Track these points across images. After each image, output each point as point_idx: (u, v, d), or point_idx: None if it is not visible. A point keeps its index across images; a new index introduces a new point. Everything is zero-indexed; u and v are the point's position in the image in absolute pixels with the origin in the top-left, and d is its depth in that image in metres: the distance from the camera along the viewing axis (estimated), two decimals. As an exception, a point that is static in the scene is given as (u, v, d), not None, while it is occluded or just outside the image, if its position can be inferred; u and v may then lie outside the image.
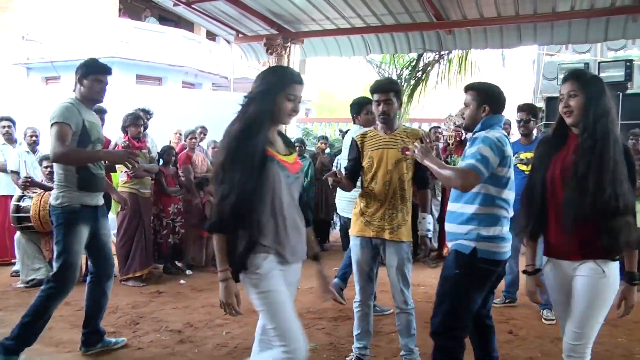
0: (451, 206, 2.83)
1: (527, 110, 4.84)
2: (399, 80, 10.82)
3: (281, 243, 2.33)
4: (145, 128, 5.96)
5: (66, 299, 3.51)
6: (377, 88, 3.37)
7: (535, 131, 4.99)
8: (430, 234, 3.26)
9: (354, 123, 4.75)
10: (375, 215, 3.32)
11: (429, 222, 3.35)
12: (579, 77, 2.45)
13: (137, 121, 5.59)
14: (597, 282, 2.33)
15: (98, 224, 3.62)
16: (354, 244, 3.45)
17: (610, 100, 2.41)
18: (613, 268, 2.35)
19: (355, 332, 3.51)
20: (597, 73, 8.82)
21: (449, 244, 2.85)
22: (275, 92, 2.31)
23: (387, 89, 3.33)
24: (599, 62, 9.66)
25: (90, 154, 3.49)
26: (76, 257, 3.46)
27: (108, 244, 3.77)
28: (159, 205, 6.02)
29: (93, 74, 3.49)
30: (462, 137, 7.14)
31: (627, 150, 2.38)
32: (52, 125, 3.31)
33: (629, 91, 8.75)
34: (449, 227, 2.83)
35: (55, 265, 3.43)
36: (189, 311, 4.68)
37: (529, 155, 4.58)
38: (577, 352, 2.39)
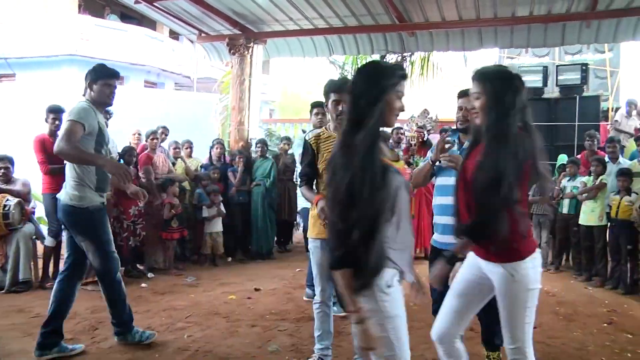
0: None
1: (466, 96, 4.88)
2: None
3: (402, 258, 2.12)
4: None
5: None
6: (333, 87, 3.31)
7: None
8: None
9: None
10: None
11: None
12: (481, 78, 2.37)
13: (96, 121, 5.47)
14: (508, 287, 2.30)
15: None
16: (313, 245, 3.45)
17: (515, 97, 2.27)
18: (522, 269, 2.28)
19: (316, 334, 3.50)
20: (555, 76, 9.10)
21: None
22: (386, 90, 2.05)
23: (345, 89, 3.29)
24: (557, 66, 9.93)
25: (91, 157, 3.50)
26: (110, 246, 3.72)
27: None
28: (119, 207, 5.90)
29: (102, 78, 3.63)
30: (425, 138, 7.24)
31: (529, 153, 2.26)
32: (66, 121, 3.47)
33: (584, 94, 9.01)
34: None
35: (96, 262, 3.65)
36: (149, 315, 4.59)
37: None
38: (517, 354, 2.37)
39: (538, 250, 2.37)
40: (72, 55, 14.40)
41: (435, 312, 2.91)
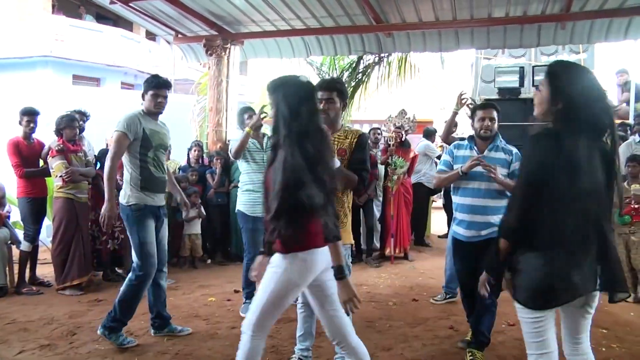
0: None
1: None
2: (339, 83, 10.90)
3: None
4: (82, 131, 5.77)
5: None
6: (320, 86, 3.35)
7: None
8: None
9: None
10: None
11: None
12: (269, 89, 2.61)
13: (72, 123, 5.40)
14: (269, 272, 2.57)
15: (158, 222, 4.04)
16: None
17: (294, 103, 2.47)
18: (279, 259, 2.53)
19: (298, 334, 3.51)
20: (532, 77, 9.22)
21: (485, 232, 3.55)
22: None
23: (331, 88, 3.32)
24: (533, 66, 10.04)
25: (108, 189, 3.82)
26: (151, 247, 3.89)
27: (164, 240, 4.15)
28: (97, 210, 5.81)
29: (151, 89, 3.95)
30: (402, 139, 7.27)
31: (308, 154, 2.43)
32: (113, 132, 3.88)
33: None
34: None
35: (135, 258, 3.86)
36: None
37: None
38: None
39: (317, 250, 2.52)
40: (46, 56, 14.20)
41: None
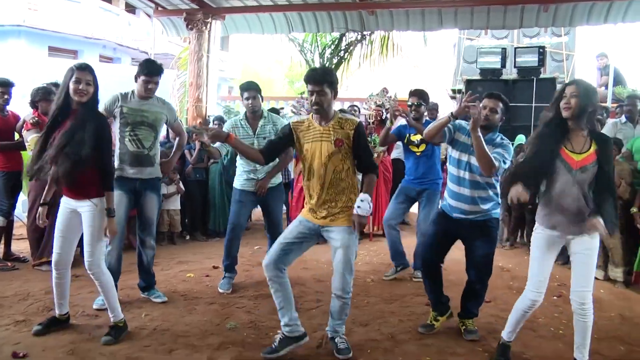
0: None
1: (418, 95, 5.15)
2: (321, 60, 10.86)
3: None
4: (59, 104, 5.65)
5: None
6: (309, 78, 3.33)
7: (426, 114, 5.32)
8: (361, 212, 3.23)
9: None
10: (317, 205, 3.36)
11: (361, 200, 3.27)
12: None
13: (48, 96, 5.27)
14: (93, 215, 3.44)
15: (142, 196, 4.28)
16: (297, 219, 3.49)
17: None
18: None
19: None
20: (513, 58, 9.29)
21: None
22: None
23: (321, 80, 3.29)
24: (515, 48, 10.09)
25: None
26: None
27: (148, 212, 4.37)
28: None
29: (143, 75, 4.17)
30: (383, 117, 7.28)
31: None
32: None
33: (541, 76, 9.22)
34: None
35: None
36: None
37: (419, 137, 5.03)
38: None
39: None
40: (19, 26, 13.81)
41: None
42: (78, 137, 3.29)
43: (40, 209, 3.70)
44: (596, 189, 3.05)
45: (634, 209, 5.19)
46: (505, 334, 3.40)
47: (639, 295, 4.99)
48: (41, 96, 5.24)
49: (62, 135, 3.29)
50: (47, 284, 4.72)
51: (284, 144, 3.52)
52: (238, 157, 4.84)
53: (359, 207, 3.24)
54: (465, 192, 3.65)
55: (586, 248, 3.10)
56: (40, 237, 5.25)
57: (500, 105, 3.63)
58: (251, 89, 4.70)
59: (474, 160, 3.54)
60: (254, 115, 4.73)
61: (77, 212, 3.50)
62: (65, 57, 14.98)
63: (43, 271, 5.17)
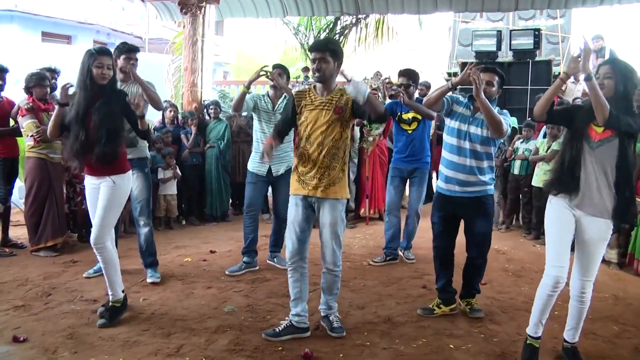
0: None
1: (407, 75, 5.14)
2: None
3: None
4: (53, 89, 5.63)
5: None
6: (312, 46, 3.40)
7: (416, 94, 5.36)
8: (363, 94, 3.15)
9: None
10: (309, 175, 3.38)
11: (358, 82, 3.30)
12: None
13: (42, 81, 5.25)
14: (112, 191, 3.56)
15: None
16: (291, 202, 3.50)
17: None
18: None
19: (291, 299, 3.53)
20: (509, 41, 9.26)
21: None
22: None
23: (323, 48, 3.31)
24: (511, 30, 10.06)
25: None
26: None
27: (136, 191, 4.49)
28: (71, 171, 5.73)
29: (120, 55, 4.34)
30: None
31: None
32: None
33: (537, 58, 9.21)
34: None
35: None
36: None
37: (411, 115, 5.11)
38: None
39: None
40: (11, 10, 13.67)
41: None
42: (114, 112, 3.51)
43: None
44: (618, 170, 2.90)
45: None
46: (530, 329, 3.16)
47: (633, 276, 5.03)
48: (35, 81, 5.21)
49: (100, 115, 3.43)
50: (45, 269, 4.76)
51: (293, 116, 3.51)
52: (258, 142, 4.88)
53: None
54: (465, 161, 3.68)
55: (598, 238, 3.00)
56: (38, 223, 5.26)
57: (497, 78, 3.68)
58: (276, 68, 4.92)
59: (473, 130, 3.65)
60: (275, 93, 4.89)
61: (99, 189, 3.61)
62: (58, 42, 14.87)
63: (41, 257, 5.18)
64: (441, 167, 3.86)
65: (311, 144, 3.37)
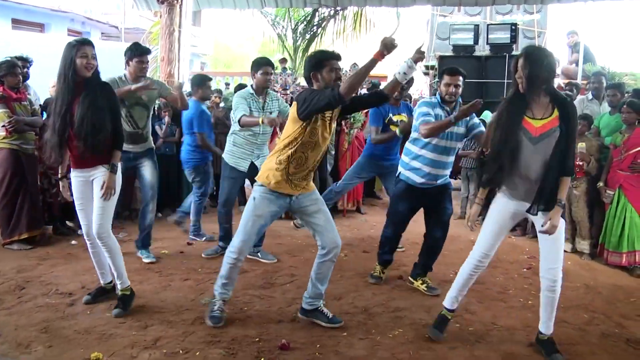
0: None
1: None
2: (293, 35, 10.77)
3: None
4: (26, 78, 5.52)
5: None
6: (334, 56, 3.40)
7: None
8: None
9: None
10: (300, 175, 3.37)
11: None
12: None
13: (13, 69, 5.12)
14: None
15: (139, 166, 4.78)
16: (264, 196, 3.40)
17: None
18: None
19: (222, 281, 3.56)
20: (486, 35, 9.34)
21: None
22: None
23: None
24: (488, 25, 10.14)
25: None
26: None
27: (145, 179, 4.80)
28: (45, 162, 5.62)
29: (134, 57, 4.50)
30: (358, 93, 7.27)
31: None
32: None
33: (513, 52, 9.30)
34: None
35: None
36: (80, 272, 4.48)
37: (401, 118, 5.22)
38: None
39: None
40: (-20, -3, 13.35)
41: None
42: (98, 105, 3.44)
43: (61, 184, 3.82)
44: (552, 157, 2.94)
45: (601, 184, 5.33)
46: (447, 302, 3.44)
47: (603, 266, 5.17)
48: (6, 70, 5.08)
49: (83, 108, 3.39)
50: (18, 262, 4.68)
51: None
52: (241, 137, 4.82)
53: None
54: (447, 159, 4.07)
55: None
56: (10, 216, 5.16)
57: (461, 78, 3.99)
58: (269, 65, 4.81)
59: (456, 129, 3.96)
60: (262, 91, 4.79)
61: (90, 182, 3.58)
62: (30, 30, 14.55)
63: (14, 250, 5.09)
64: (416, 164, 4.09)
65: (312, 151, 3.32)
